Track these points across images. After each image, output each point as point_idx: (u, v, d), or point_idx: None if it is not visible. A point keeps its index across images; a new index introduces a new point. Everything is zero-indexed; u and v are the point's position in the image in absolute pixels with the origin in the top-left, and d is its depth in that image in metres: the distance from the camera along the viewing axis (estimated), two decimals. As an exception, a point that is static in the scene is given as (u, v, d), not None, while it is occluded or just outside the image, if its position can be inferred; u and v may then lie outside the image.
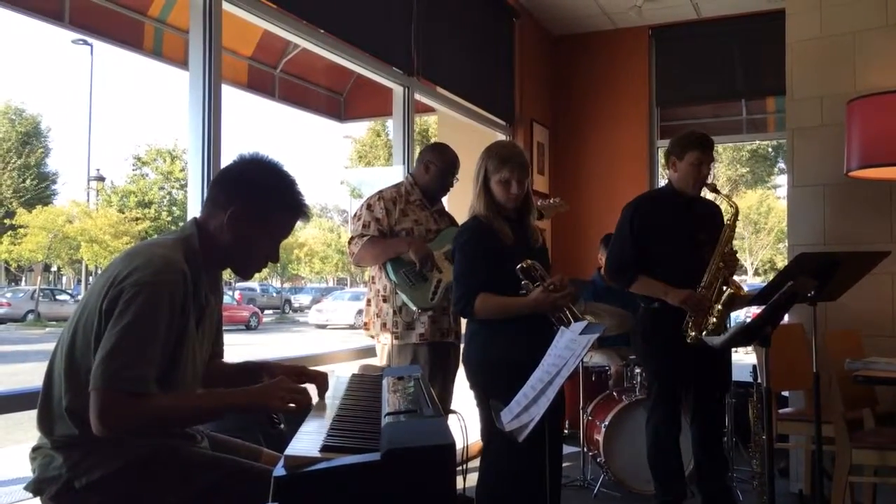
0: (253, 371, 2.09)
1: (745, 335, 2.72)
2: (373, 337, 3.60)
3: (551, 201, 4.14)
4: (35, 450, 1.80)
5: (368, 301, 3.62)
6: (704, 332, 3.25)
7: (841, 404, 3.29)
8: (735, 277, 3.44)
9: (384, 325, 3.49)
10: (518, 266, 2.74)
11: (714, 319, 3.26)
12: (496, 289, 2.81)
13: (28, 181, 27.96)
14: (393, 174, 4.36)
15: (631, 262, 3.39)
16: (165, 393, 1.69)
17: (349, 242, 3.55)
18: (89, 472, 1.71)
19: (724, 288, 3.27)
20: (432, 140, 6.43)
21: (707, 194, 3.55)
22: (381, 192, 3.58)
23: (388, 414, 1.55)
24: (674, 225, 3.40)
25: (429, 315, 3.44)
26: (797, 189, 4.30)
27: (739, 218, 3.53)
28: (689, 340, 3.27)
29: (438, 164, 3.57)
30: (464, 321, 3.50)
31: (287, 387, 1.81)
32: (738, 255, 3.46)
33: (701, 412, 3.48)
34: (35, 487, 1.77)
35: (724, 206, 3.65)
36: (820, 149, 4.20)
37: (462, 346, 3.11)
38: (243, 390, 1.85)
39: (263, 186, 1.90)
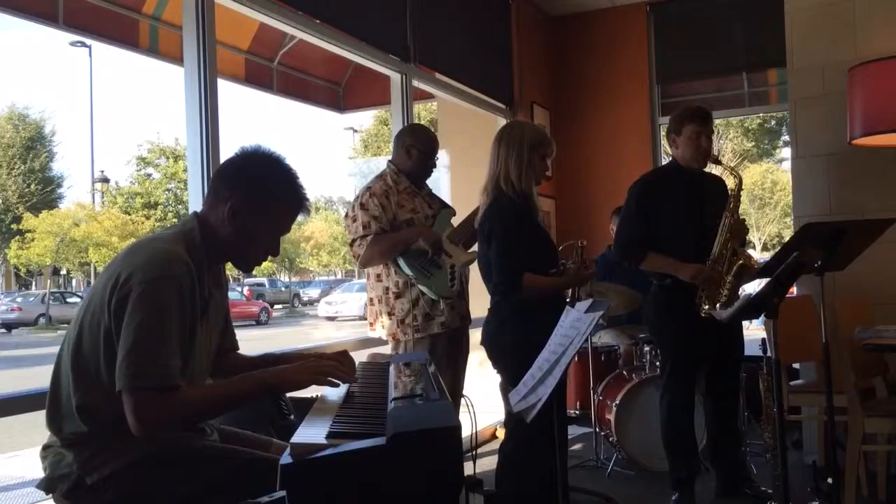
0: (273, 361, 2.10)
1: (752, 308, 2.70)
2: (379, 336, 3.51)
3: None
4: (45, 448, 1.81)
5: (372, 300, 3.49)
6: (718, 305, 3.24)
7: (852, 374, 3.28)
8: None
9: (402, 321, 3.35)
10: (563, 246, 2.94)
11: (726, 291, 3.24)
12: (531, 264, 2.88)
13: (33, 186, 28.03)
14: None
15: (639, 240, 3.39)
16: None
17: (351, 245, 3.40)
18: (100, 469, 1.72)
19: (735, 258, 3.26)
20: (440, 129, 6.39)
21: (712, 168, 3.53)
22: (369, 187, 3.42)
23: (394, 399, 1.55)
24: (680, 201, 3.39)
25: (447, 302, 3.37)
26: (801, 160, 4.27)
27: (745, 192, 3.51)
28: (702, 314, 3.26)
29: (420, 147, 3.46)
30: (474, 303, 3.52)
31: (316, 364, 1.84)
32: (745, 223, 3.43)
33: (715, 386, 3.47)
34: (47, 485, 1.78)
35: (728, 178, 3.62)
36: (822, 118, 4.16)
37: (485, 328, 3.08)
38: (272, 370, 1.84)
39: (264, 179, 1.89)
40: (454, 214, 3.62)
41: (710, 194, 3.41)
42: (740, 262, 3.22)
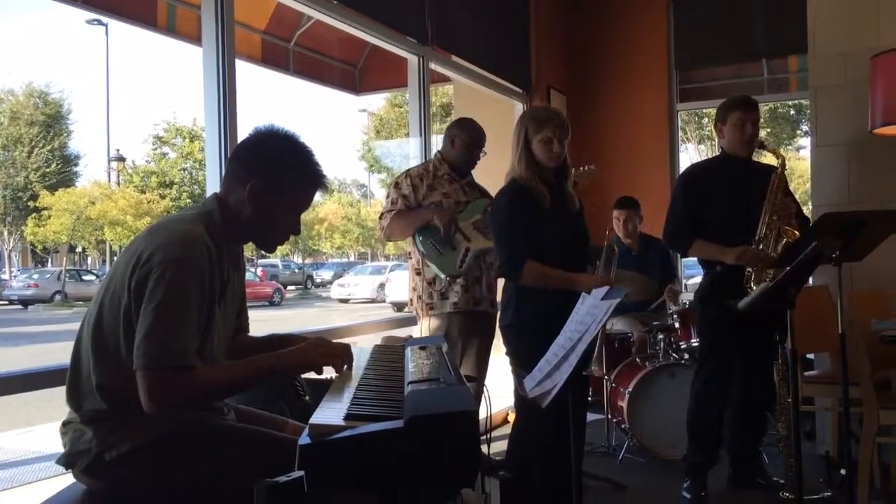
0: (278, 342, 2.11)
1: (769, 297, 2.68)
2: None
3: (584, 168, 4.07)
4: (65, 424, 1.83)
5: (412, 278, 3.71)
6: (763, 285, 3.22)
7: (868, 365, 3.26)
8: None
9: (419, 296, 3.59)
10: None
11: (772, 272, 3.22)
12: (533, 250, 2.88)
13: (54, 165, 28.14)
14: (409, 146, 4.34)
15: (685, 228, 3.42)
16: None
17: (379, 218, 3.66)
18: (119, 445, 1.74)
19: (780, 237, 3.25)
20: (453, 113, 6.40)
21: (760, 157, 3.51)
22: (408, 170, 3.72)
23: (411, 382, 1.55)
24: (727, 189, 3.39)
25: (461, 284, 3.52)
26: (821, 149, 4.23)
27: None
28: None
29: (463, 138, 3.65)
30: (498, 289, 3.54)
31: (326, 345, 1.87)
32: (793, 198, 3.38)
33: (749, 378, 3.45)
34: (66, 461, 1.80)
35: (771, 159, 3.58)
36: (843, 107, 4.12)
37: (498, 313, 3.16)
38: (283, 353, 1.87)
39: (281, 159, 1.89)
40: (490, 204, 3.66)
41: (756, 181, 3.38)
42: (785, 240, 3.22)
